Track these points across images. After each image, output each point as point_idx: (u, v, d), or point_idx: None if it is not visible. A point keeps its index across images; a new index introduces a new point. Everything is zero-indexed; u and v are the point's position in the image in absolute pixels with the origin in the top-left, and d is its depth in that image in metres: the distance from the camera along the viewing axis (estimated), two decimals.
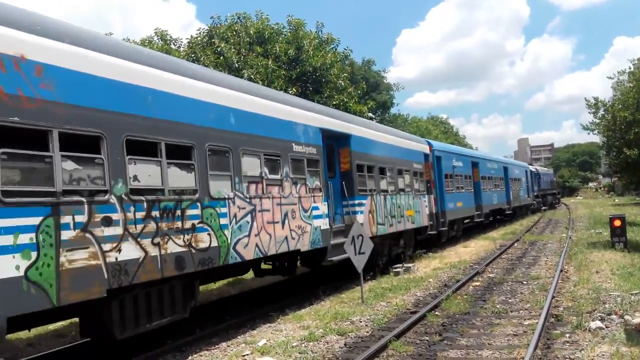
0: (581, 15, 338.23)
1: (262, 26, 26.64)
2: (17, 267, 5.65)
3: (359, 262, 11.79)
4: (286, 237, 10.73)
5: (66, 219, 6.26)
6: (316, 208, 12.03)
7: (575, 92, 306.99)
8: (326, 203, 12.61)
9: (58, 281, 6.06)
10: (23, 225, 5.79)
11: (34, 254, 5.84)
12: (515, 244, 22.34)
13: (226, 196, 9.04)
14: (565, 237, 23.68)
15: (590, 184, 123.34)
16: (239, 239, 9.25)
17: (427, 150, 21.19)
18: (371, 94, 40.27)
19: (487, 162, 32.00)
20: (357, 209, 13.94)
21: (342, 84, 27.54)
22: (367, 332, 9.12)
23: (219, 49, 24.30)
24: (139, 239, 7.21)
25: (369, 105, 32.48)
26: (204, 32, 26.21)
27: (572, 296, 10.97)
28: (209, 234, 8.51)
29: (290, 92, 23.47)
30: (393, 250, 17.00)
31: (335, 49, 29.78)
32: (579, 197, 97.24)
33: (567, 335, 8.16)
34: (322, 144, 12.63)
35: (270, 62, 24.19)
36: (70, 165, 6.45)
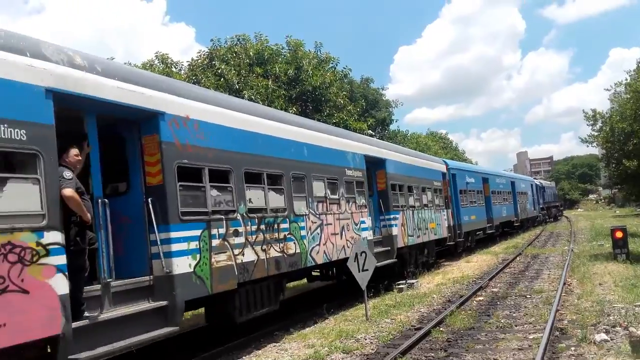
0: (576, 28, 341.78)
1: (262, 47, 26.96)
2: (190, 265, 7.95)
3: (363, 279, 11.84)
4: (343, 246, 13.03)
5: (214, 231, 8.63)
6: (363, 222, 14.40)
7: (573, 104, 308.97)
8: (370, 217, 15.09)
9: (211, 276, 8.40)
10: (192, 235, 8.12)
11: (198, 256, 8.15)
12: (518, 258, 22.36)
13: (304, 213, 11.46)
14: (567, 249, 23.71)
15: (591, 196, 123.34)
16: (313, 247, 11.65)
17: (444, 169, 23.52)
18: (370, 111, 40.52)
19: (496, 178, 34.46)
20: (392, 222, 16.22)
21: (342, 102, 27.81)
22: (372, 349, 9.15)
23: (219, 71, 24.57)
24: (254, 246, 9.61)
25: (369, 123, 32.73)
26: (204, 55, 26.52)
27: (576, 309, 11.00)
28: (294, 243, 10.93)
29: (291, 111, 23.69)
30: (419, 259, 18.98)
31: (334, 68, 30.10)
32: (579, 210, 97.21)
33: (573, 348, 8.20)
34: (365, 168, 14.99)
35: (270, 83, 24.45)
36: (214, 192, 8.84)
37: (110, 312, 6.84)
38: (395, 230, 16.15)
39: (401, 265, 16.63)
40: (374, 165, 16.07)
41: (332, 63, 29.89)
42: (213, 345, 10.24)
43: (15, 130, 5.72)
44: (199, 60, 26.07)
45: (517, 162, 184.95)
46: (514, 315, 11.14)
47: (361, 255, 11.84)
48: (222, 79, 24.22)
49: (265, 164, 10.27)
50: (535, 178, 70.59)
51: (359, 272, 11.81)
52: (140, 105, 7.59)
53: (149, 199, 7.73)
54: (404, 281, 16.16)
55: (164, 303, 7.53)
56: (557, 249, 25.61)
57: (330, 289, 13.01)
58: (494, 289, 14.75)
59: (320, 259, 11.87)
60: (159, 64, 26.47)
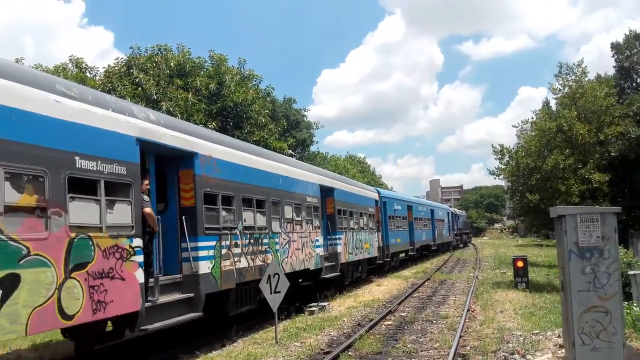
0: (489, 65, 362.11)
1: (183, 59, 26.43)
2: (208, 267, 10.60)
3: (274, 301, 11.67)
4: (304, 259, 15.97)
5: (223, 243, 11.32)
6: (317, 240, 17.26)
7: (484, 137, 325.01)
8: (322, 237, 17.93)
9: (221, 276, 11.06)
10: (210, 245, 10.81)
11: (213, 261, 10.84)
12: (427, 283, 22.95)
13: (278, 231, 14.22)
14: (472, 276, 24.63)
15: (496, 225, 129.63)
16: (284, 259, 14.43)
17: (377, 197, 26.68)
18: (292, 131, 40.70)
19: (419, 206, 38.84)
20: (337, 241, 19.15)
21: (263, 120, 27.69)
22: None
23: (137, 80, 23.78)
24: (246, 256, 12.29)
25: (289, 143, 32.79)
26: (122, 62, 25.60)
27: (478, 335, 11.37)
28: (271, 255, 13.60)
29: (210, 126, 23.27)
30: (354, 274, 22.03)
31: (257, 86, 30.00)
32: (485, 237, 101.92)
33: None
34: (320, 195, 17.81)
35: (190, 96, 23.95)
36: (224, 213, 11.48)
37: (161, 299, 9.37)
38: (339, 248, 19.17)
39: (341, 278, 19.79)
40: (325, 193, 18.67)
41: (255, 80, 29.80)
42: None
43: (120, 167, 8.31)
44: (116, 68, 25.13)
45: (429, 189, 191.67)
46: (420, 340, 11.34)
47: (274, 277, 11.68)
48: (139, 89, 23.45)
49: (254, 192, 13.02)
50: (450, 206, 73.76)
51: (271, 294, 11.63)
52: (184, 148, 10.35)
53: (183, 217, 10.41)
54: (315, 303, 16.13)
55: (191, 295, 10.20)
56: (463, 275, 26.56)
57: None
58: (403, 313, 15.01)
59: (288, 269, 14.39)
60: (72, 68, 25.25)
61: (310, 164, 31.06)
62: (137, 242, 8.51)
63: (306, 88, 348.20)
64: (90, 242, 7.65)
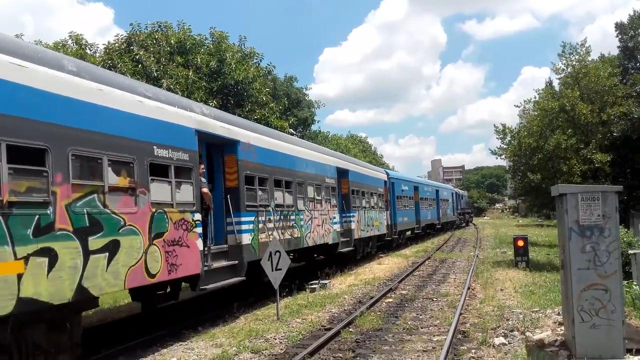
0: (493, 45, 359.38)
1: (184, 36, 26.17)
2: (249, 239, 12.43)
3: (276, 279, 11.75)
4: (323, 234, 17.87)
5: (260, 218, 13.15)
6: (334, 217, 19.24)
7: (486, 118, 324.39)
8: (339, 214, 19.82)
9: (258, 247, 12.82)
10: (250, 220, 12.59)
11: (252, 234, 12.67)
12: (427, 262, 23.08)
13: (302, 209, 16.10)
14: (472, 255, 24.75)
15: (497, 205, 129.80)
16: (307, 234, 16.34)
17: (385, 177, 28.72)
18: (293, 110, 40.49)
19: (424, 186, 40.79)
20: (351, 219, 21.09)
21: (264, 98, 27.51)
22: (281, 349, 9.08)
23: (137, 57, 23.60)
24: (277, 230, 14.13)
25: (290, 121, 32.64)
26: (122, 39, 25.38)
27: (478, 313, 11.47)
28: (297, 230, 15.58)
29: (211, 104, 23.17)
30: (365, 249, 23.97)
31: (258, 64, 29.77)
32: (486, 217, 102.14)
33: (473, 351, 8.51)
34: (335, 175, 19.69)
35: (191, 73, 23.78)
36: (260, 192, 13.24)
37: (214, 264, 11.23)
38: (353, 225, 21.08)
39: (353, 253, 21.76)
40: (340, 174, 20.47)
41: (256, 58, 29.53)
42: (114, 342, 9.78)
43: (184, 154, 10.13)
44: (116, 45, 24.91)
45: (431, 169, 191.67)
46: (421, 317, 11.44)
47: (275, 254, 11.74)
48: (139, 66, 23.28)
49: (283, 174, 14.87)
50: (454, 186, 74.19)
51: (273, 271, 11.71)
52: (229, 136, 12.11)
53: (228, 195, 12.21)
54: (317, 281, 16.25)
55: (235, 262, 12.05)
56: (464, 254, 26.69)
57: (245, 287, 13.12)
58: (403, 291, 15.11)
59: (310, 243, 16.56)
60: (72, 45, 25.05)
61: (312, 142, 31.20)
62: (197, 216, 10.44)
63: (308, 66, 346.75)
64: (165, 216, 9.48)
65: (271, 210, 13.83)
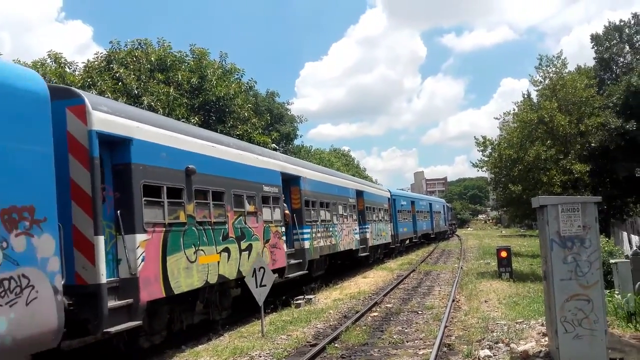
0: (472, 58, 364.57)
1: (164, 53, 26.15)
2: (308, 245, 17.39)
3: (260, 295, 11.65)
4: (349, 242, 23.14)
5: (313, 230, 18.16)
6: (355, 229, 24.46)
7: (467, 129, 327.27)
8: (358, 227, 25.09)
9: (314, 251, 17.99)
10: (308, 231, 17.60)
11: (310, 241, 17.61)
12: (412, 274, 23.10)
13: (336, 222, 21.26)
14: (457, 267, 24.84)
15: (480, 216, 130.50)
16: (340, 241, 21.52)
17: (389, 195, 34.22)
18: (275, 125, 40.55)
19: (420, 201, 47.06)
20: (366, 230, 26.31)
21: (246, 114, 27.53)
22: None
23: (117, 75, 23.49)
24: (322, 239, 19.06)
25: (273, 137, 32.64)
26: (102, 57, 25.27)
27: (463, 325, 11.48)
28: (334, 238, 20.68)
29: (193, 121, 23.11)
30: (376, 255, 29.42)
31: (240, 79, 29.81)
32: (469, 229, 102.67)
33: None
34: (355, 195, 25.27)
35: (172, 90, 23.73)
36: (312, 212, 18.40)
37: (290, 261, 16.12)
38: (368, 235, 26.39)
39: (366, 258, 26.65)
40: (358, 194, 25.76)
41: (237, 74, 29.61)
42: None
43: (275, 188, 15.15)
44: (96, 62, 24.78)
45: (414, 181, 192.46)
46: (406, 331, 11.42)
47: (259, 270, 11.67)
48: (120, 83, 23.17)
49: (324, 197, 20.13)
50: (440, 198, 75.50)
51: (257, 287, 11.62)
52: (295, 174, 17.43)
53: (294, 214, 17.08)
54: (302, 296, 16.17)
55: (300, 260, 16.92)
56: (448, 266, 26.77)
57: (234, 301, 13.21)
58: (388, 305, 15.09)
59: (342, 248, 21.82)
60: (51, 64, 24.86)
61: (295, 157, 31.85)
62: (283, 229, 15.76)
63: (289, 81, 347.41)
64: (269, 229, 14.62)
65: (319, 224, 18.99)
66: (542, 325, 10.10)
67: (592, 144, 32.58)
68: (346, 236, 22.55)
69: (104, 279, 8.20)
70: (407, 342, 10.37)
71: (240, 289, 13.36)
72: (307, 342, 10.75)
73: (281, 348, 10.16)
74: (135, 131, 9.35)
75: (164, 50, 26.36)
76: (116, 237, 8.90)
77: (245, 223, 13.00)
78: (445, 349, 9.53)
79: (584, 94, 30.54)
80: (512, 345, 9.07)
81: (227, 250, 11.95)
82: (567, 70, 32.18)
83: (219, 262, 11.53)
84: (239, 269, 12.40)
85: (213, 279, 11.29)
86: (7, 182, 6.55)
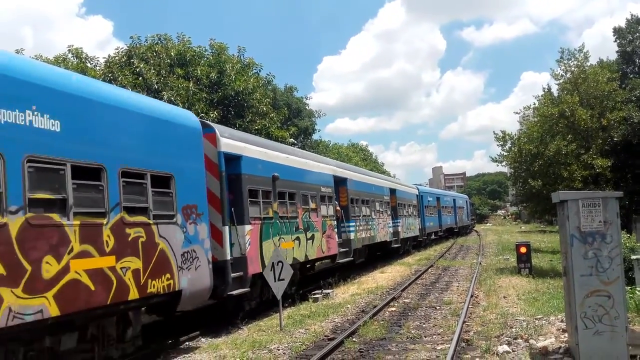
0: (492, 51, 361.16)
1: (184, 48, 26.29)
2: (353, 236, 21.07)
3: (279, 289, 11.74)
4: (384, 234, 26.51)
5: (356, 223, 21.75)
6: (389, 223, 27.80)
7: (486, 124, 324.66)
8: (391, 221, 28.37)
9: (357, 240, 21.74)
10: (353, 224, 21.27)
11: (354, 232, 21.32)
12: (430, 270, 23.03)
13: (374, 217, 24.48)
14: (475, 263, 24.69)
15: (499, 212, 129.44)
16: (377, 234, 24.71)
17: (417, 192, 37.72)
18: (293, 119, 40.55)
19: (445, 197, 50.65)
20: (398, 224, 29.71)
21: (264, 109, 27.59)
22: None
23: (137, 70, 23.71)
24: (364, 231, 22.70)
25: (291, 131, 32.68)
26: (122, 52, 25.52)
27: (482, 321, 11.44)
28: (372, 231, 23.96)
29: (212, 115, 23.24)
30: (406, 247, 32.54)
31: (258, 74, 29.88)
32: (488, 224, 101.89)
33: (477, 359, 8.48)
34: (389, 193, 28.95)
35: (191, 85, 23.88)
36: (356, 208, 22.13)
37: (340, 250, 19.68)
38: (399, 229, 29.59)
39: (397, 249, 30.12)
40: (391, 192, 29.34)
41: (256, 69, 29.66)
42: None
43: (329, 189, 19.12)
44: (117, 58, 25.04)
45: (432, 176, 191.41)
46: (424, 326, 11.42)
47: (277, 264, 11.74)
48: (140, 78, 23.38)
49: (365, 195, 23.54)
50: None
51: (275, 281, 11.70)
52: (343, 176, 20.85)
53: (342, 210, 20.13)
54: (319, 291, 16.24)
55: (347, 249, 20.28)
56: (467, 261, 26.62)
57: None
58: (406, 300, 15.09)
59: (378, 240, 25.16)
60: (72, 59, 25.17)
61: (312, 152, 32.17)
62: (335, 222, 19.21)
63: (307, 75, 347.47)
64: (326, 222, 18.16)
65: (361, 218, 22.36)
66: (562, 321, 10.03)
67: (614, 139, 32.13)
68: (382, 229, 25.84)
69: (228, 256, 11.76)
70: (425, 337, 10.37)
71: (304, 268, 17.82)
72: (325, 336, 10.81)
73: (299, 342, 10.23)
74: (244, 150, 13.02)
75: (184, 45, 26.50)
76: (230, 227, 12.08)
77: (310, 217, 16.67)
78: (463, 344, 9.51)
79: (606, 88, 30.08)
80: (531, 341, 9.03)
81: (298, 239, 15.67)
82: (589, 64, 31.72)
83: (293, 248, 15.20)
84: (305, 254, 16.19)
85: (290, 260, 14.20)
86: (185, 189, 9.95)
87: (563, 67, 31.31)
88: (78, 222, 7.46)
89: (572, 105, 29.28)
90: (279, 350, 9.71)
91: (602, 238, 7.39)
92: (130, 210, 8.52)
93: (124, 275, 8.18)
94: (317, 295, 15.57)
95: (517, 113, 36.65)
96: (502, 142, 32.87)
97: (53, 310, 6.90)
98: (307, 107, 45.54)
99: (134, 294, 8.35)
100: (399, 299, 15.35)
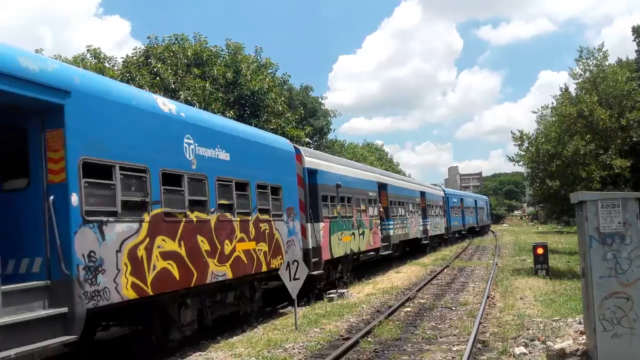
0: (509, 50, 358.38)
1: (200, 48, 26.49)
2: (392, 233, 24.74)
3: (294, 288, 11.76)
4: (416, 232, 29.75)
5: (394, 222, 25.18)
6: (420, 222, 31.14)
7: (503, 123, 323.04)
8: (421, 220, 31.78)
9: (396, 236, 25.37)
10: (391, 223, 24.74)
11: (393, 230, 24.85)
12: (445, 270, 22.92)
13: (407, 217, 28.05)
14: (491, 263, 24.52)
15: (516, 212, 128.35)
16: (409, 231, 28.20)
17: (443, 194, 41.43)
18: (309, 119, 40.64)
19: (467, 198, 55.17)
20: (427, 223, 33.02)
21: (280, 108, 27.69)
22: (300, 359, 9.07)
23: (155, 70, 23.92)
24: (400, 229, 26.15)
25: (306, 131, 32.76)
26: (140, 52, 25.76)
27: (498, 322, 11.36)
28: (406, 228, 27.51)
29: (228, 115, 23.37)
30: (434, 244, 35.80)
31: (274, 74, 29.98)
32: (504, 225, 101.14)
33: None
34: (420, 195, 32.36)
35: (207, 85, 24.04)
36: (393, 209, 25.33)
37: (382, 244, 23.30)
38: (428, 227, 33.14)
39: (424, 245, 33.37)
40: (421, 194, 32.77)
41: (272, 69, 29.77)
42: (132, 357, 9.86)
43: (374, 193, 22.58)
44: (134, 58, 25.29)
45: (448, 176, 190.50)
46: (440, 326, 11.36)
47: (293, 264, 11.77)
48: (157, 78, 23.59)
49: (399, 198, 26.60)
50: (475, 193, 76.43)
51: (290, 280, 11.73)
52: (385, 182, 24.71)
53: (383, 211, 23.67)
54: (334, 290, 16.25)
55: (387, 243, 23.87)
56: (483, 262, 26.45)
57: (265, 297, 13.42)
58: (422, 300, 15.03)
59: (411, 236, 28.48)
60: (90, 59, 25.47)
61: (327, 152, 33.20)
62: (378, 221, 22.36)
63: (322, 75, 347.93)
64: (372, 221, 21.49)
65: (397, 217, 25.61)
66: (580, 323, 9.93)
67: (634, 139, 31.60)
68: (414, 227, 29.32)
69: (310, 245, 15.31)
70: (441, 337, 10.33)
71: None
72: (340, 335, 10.81)
73: (314, 341, 10.24)
74: (319, 165, 16.75)
75: (200, 45, 26.70)
76: (312, 224, 15.64)
77: (361, 217, 20.12)
78: (479, 345, 9.46)
79: (626, 87, 29.64)
80: (548, 343, 8.95)
81: (353, 234, 19.11)
82: (607, 63, 31.30)
83: (350, 241, 18.70)
84: (358, 246, 19.70)
85: (348, 251, 18.46)
86: (287, 196, 13.82)
87: (582, 67, 30.94)
88: (239, 219, 11.30)
89: (590, 105, 28.90)
90: (294, 349, 9.74)
91: (622, 239, 7.30)
92: (260, 211, 12.26)
93: (260, 255, 12.04)
94: (332, 295, 15.58)
95: (534, 112, 36.46)
96: (520, 142, 32.53)
97: (229, 274, 10.77)
98: (322, 107, 45.61)
99: (265, 267, 12.28)
100: (414, 299, 15.30)
